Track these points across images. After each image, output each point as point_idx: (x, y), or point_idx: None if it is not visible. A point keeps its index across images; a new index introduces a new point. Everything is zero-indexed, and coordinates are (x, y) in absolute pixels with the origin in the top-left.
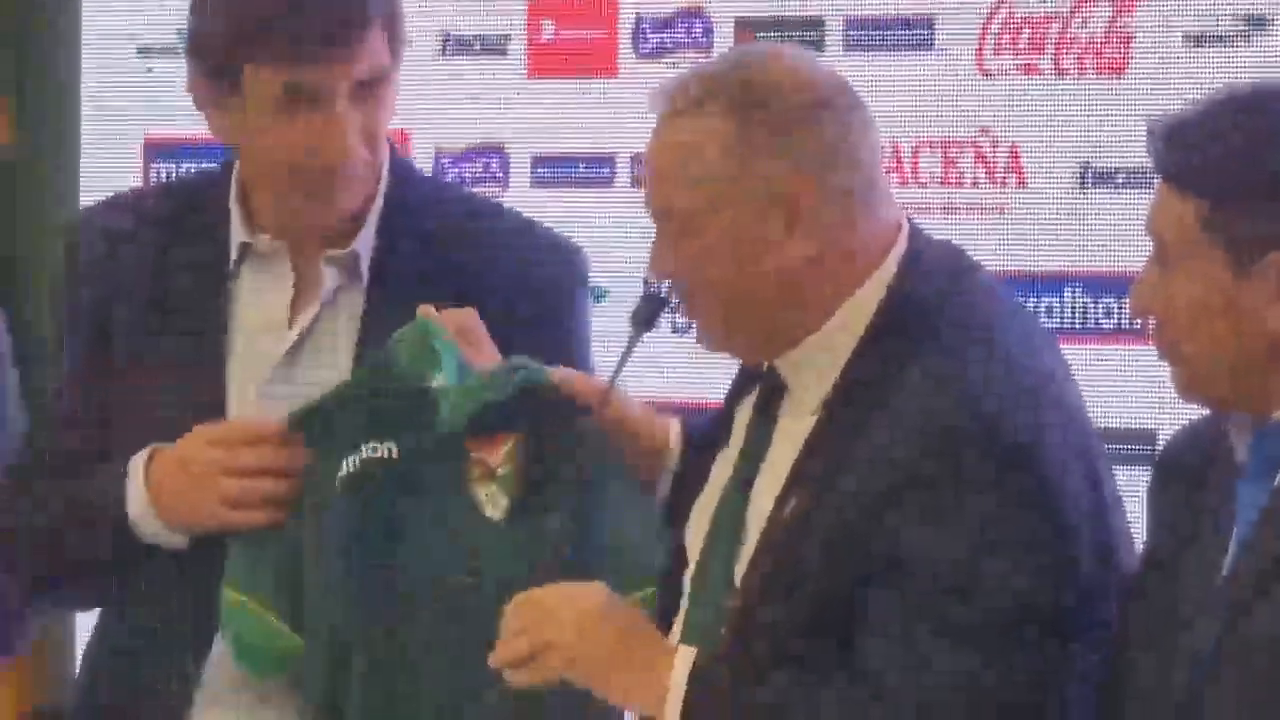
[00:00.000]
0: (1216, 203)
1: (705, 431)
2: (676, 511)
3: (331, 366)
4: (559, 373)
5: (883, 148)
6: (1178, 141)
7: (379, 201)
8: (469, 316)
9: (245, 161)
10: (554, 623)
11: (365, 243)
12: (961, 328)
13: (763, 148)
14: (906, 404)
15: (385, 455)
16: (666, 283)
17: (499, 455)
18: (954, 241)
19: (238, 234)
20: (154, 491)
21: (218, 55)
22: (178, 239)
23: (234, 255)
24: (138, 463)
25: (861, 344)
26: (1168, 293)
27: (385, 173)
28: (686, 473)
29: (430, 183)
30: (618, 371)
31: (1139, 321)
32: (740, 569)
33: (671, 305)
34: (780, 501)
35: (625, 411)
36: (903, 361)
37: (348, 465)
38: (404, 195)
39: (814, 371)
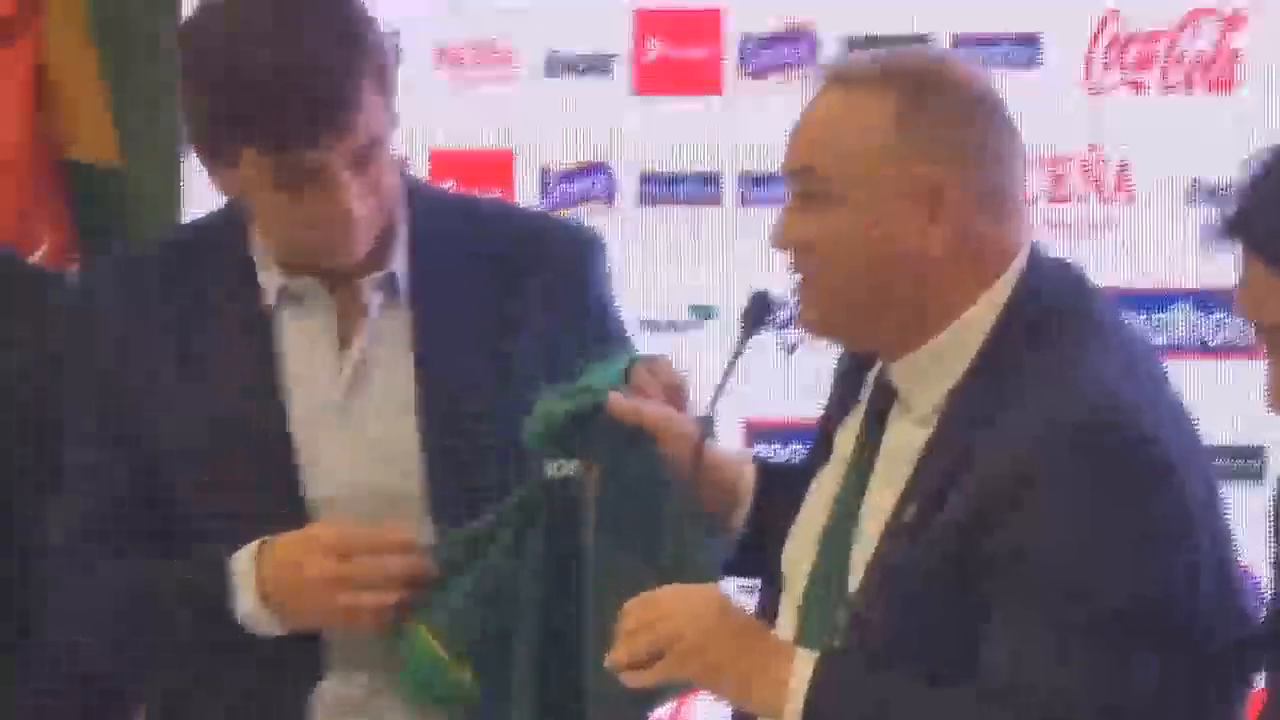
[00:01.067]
0: None
1: (786, 469)
2: (766, 545)
3: (394, 386)
4: (626, 404)
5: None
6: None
7: (404, 221)
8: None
9: (258, 224)
10: (674, 622)
11: (400, 262)
12: (1084, 337)
13: (924, 134)
14: (1030, 404)
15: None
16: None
17: (589, 479)
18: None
19: (272, 276)
20: (263, 590)
21: (212, 139)
22: (201, 289)
23: (272, 299)
24: (244, 559)
25: (981, 352)
26: None
27: (401, 196)
28: (771, 508)
29: (440, 192)
30: (728, 373)
31: (1248, 337)
32: (856, 577)
33: (779, 308)
34: (899, 507)
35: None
36: (1024, 369)
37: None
38: (424, 210)
39: (930, 378)
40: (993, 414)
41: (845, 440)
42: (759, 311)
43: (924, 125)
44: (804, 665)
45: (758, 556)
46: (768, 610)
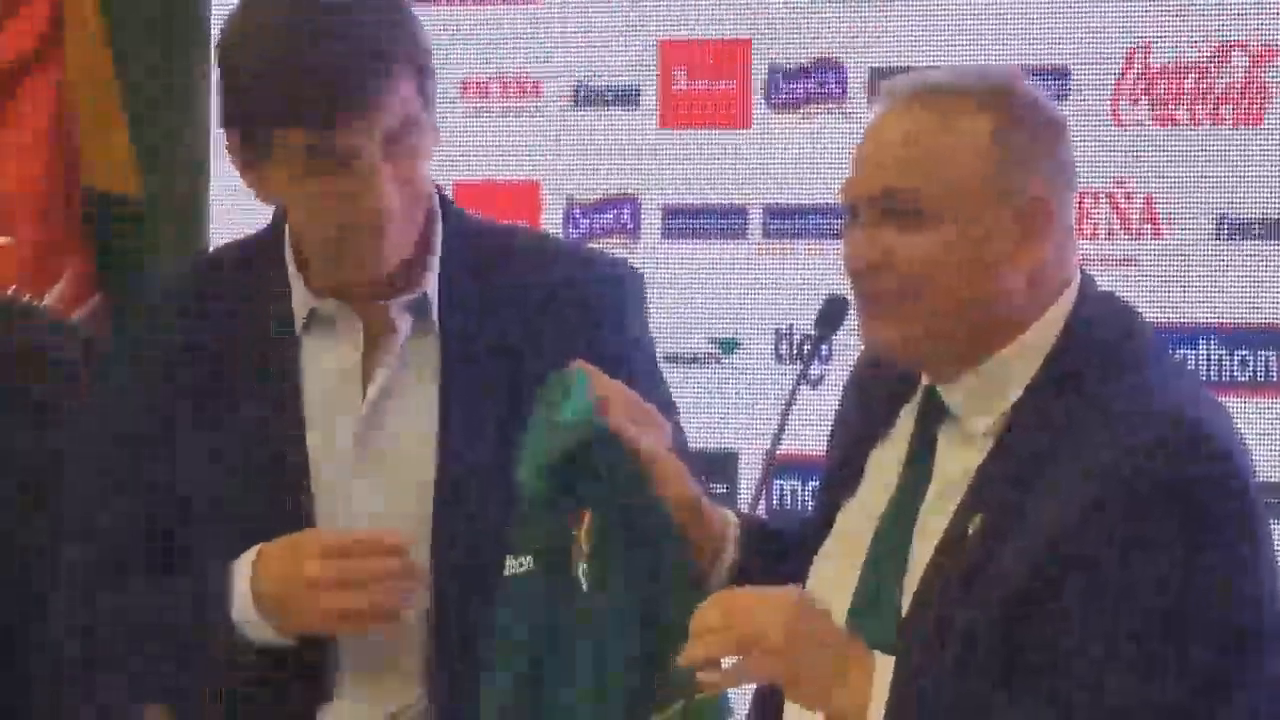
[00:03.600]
0: None
1: (770, 526)
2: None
3: (416, 414)
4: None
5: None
6: None
7: (437, 244)
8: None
9: (292, 221)
10: (756, 622)
11: (431, 286)
12: (1145, 362)
13: (1019, 154)
14: (1106, 430)
15: (526, 568)
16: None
17: (584, 529)
18: None
19: (301, 299)
20: (261, 597)
21: (245, 121)
22: (237, 309)
23: (300, 323)
24: (244, 564)
25: (1042, 371)
26: None
27: (437, 216)
28: (755, 564)
29: (477, 220)
30: (802, 375)
31: (1275, 374)
32: (907, 596)
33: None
34: (956, 523)
35: (688, 489)
36: (1090, 389)
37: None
38: (458, 235)
39: (987, 397)
40: (1058, 437)
41: (885, 465)
42: (836, 315)
43: (1023, 143)
44: (885, 671)
45: None
46: None
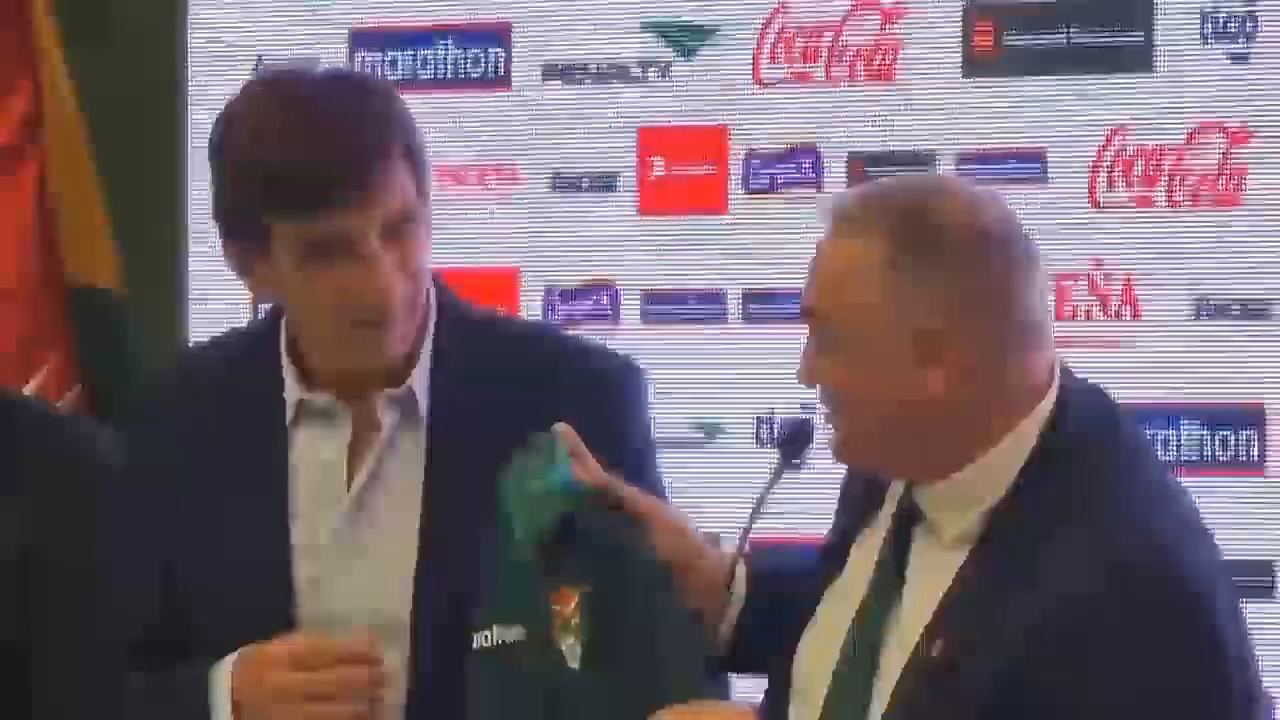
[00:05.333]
0: None
1: (784, 569)
2: (752, 650)
3: (401, 509)
4: (615, 484)
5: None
6: None
7: (429, 337)
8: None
9: (291, 316)
10: None
11: (420, 380)
12: (1123, 472)
13: (913, 281)
14: (1068, 552)
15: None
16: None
17: (571, 606)
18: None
19: (293, 390)
20: (236, 704)
21: (243, 218)
22: (230, 400)
23: (290, 414)
24: (223, 672)
25: (1017, 482)
26: None
27: (432, 307)
28: (771, 610)
29: (475, 311)
30: (761, 501)
31: (1254, 454)
32: (879, 706)
33: (816, 434)
34: (927, 638)
35: (688, 541)
36: (1064, 503)
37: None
38: (452, 327)
39: (960, 505)
40: (1027, 554)
41: (864, 557)
42: (799, 441)
43: (913, 272)
44: None
45: (746, 654)
46: (775, 713)
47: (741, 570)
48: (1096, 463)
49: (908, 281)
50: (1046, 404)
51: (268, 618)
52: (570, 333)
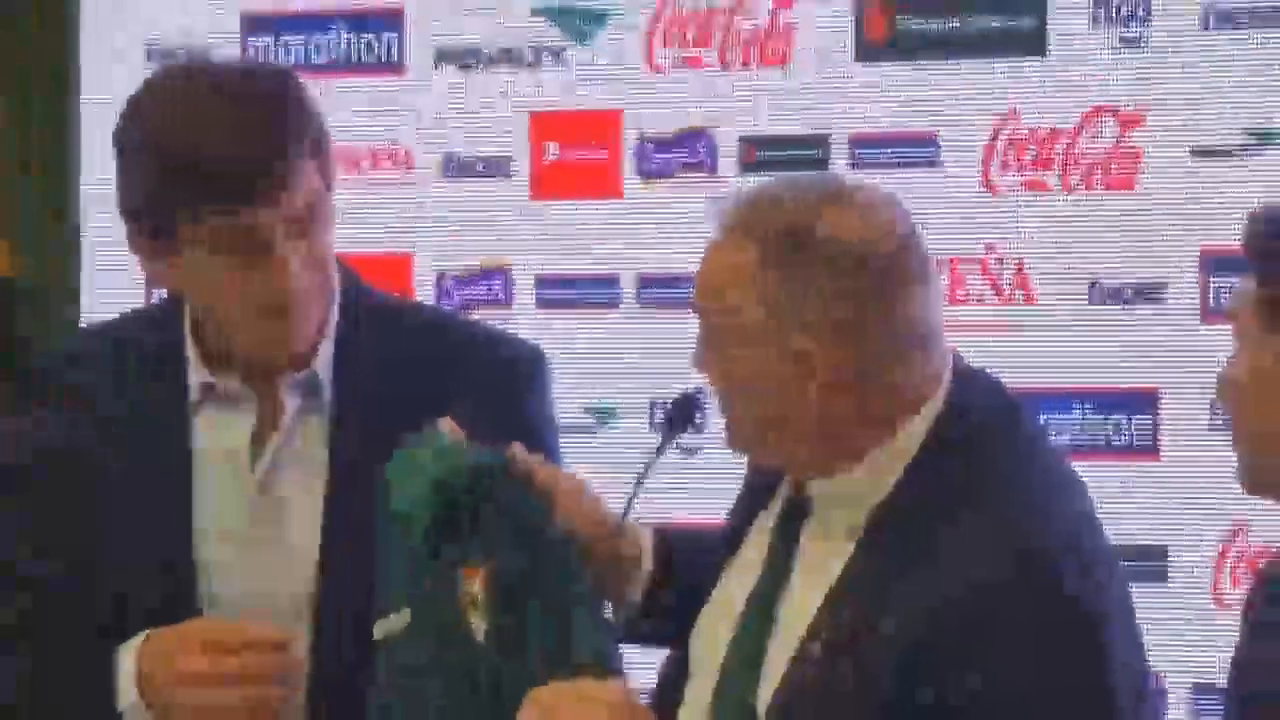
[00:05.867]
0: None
1: (693, 541)
2: (655, 622)
3: (305, 492)
4: (520, 456)
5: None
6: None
7: (333, 321)
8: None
9: (196, 303)
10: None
11: (324, 363)
12: (1007, 474)
13: (786, 294)
14: (955, 550)
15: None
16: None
17: (477, 583)
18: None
19: (197, 374)
20: (141, 686)
21: (148, 212)
22: (129, 382)
23: (195, 396)
24: (129, 654)
25: (903, 481)
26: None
27: (336, 291)
28: (673, 582)
29: (380, 296)
30: (647, 470)
31: (1148, 439)
32: (764, 694)
33: (701, 409)
34: (811, 632)
35: (590, 508)
36: (949, 503)
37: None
38: (357, 311)
39: (848, 501)
40: (913, 552)
41: (758, 541)
42: (684, 414)
43: (787, 283)
44: None
45: (656, 623)
46: (674, 685)
47: (648, 543)
48: (993, 451)
49: (781, 294)
50: (936, 401)
51: (171, 601)
52: (474, 318)
